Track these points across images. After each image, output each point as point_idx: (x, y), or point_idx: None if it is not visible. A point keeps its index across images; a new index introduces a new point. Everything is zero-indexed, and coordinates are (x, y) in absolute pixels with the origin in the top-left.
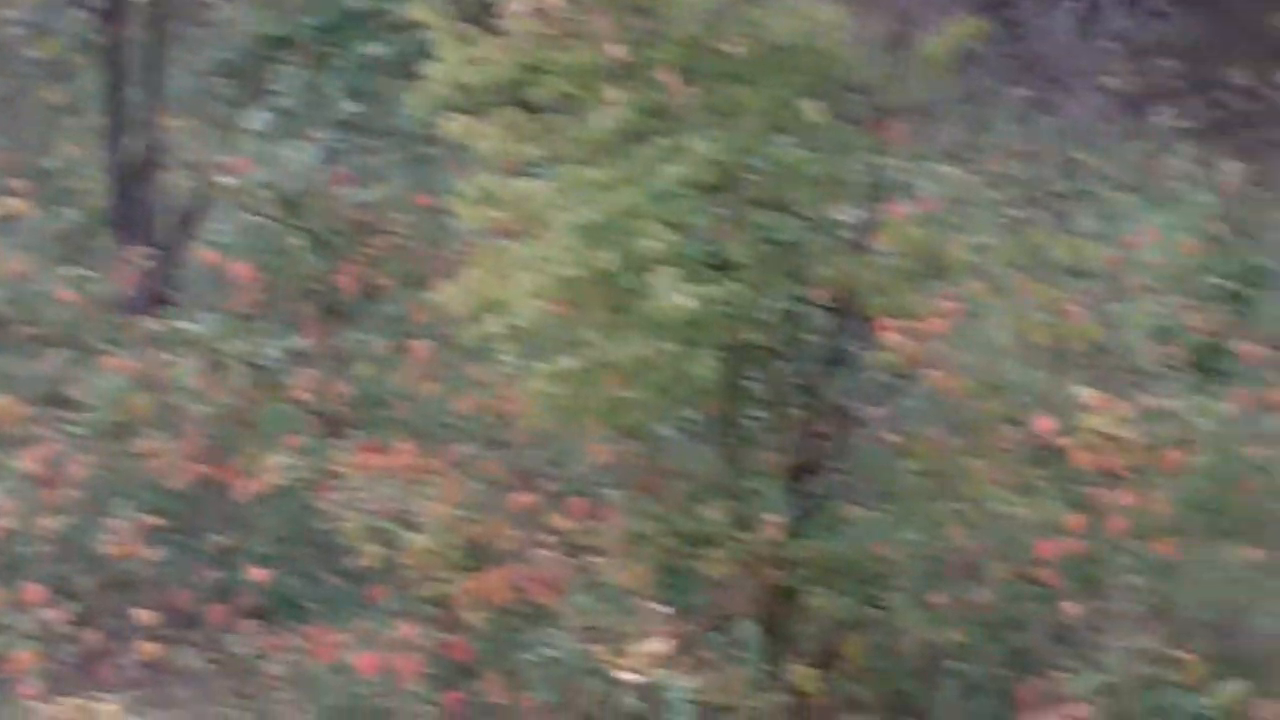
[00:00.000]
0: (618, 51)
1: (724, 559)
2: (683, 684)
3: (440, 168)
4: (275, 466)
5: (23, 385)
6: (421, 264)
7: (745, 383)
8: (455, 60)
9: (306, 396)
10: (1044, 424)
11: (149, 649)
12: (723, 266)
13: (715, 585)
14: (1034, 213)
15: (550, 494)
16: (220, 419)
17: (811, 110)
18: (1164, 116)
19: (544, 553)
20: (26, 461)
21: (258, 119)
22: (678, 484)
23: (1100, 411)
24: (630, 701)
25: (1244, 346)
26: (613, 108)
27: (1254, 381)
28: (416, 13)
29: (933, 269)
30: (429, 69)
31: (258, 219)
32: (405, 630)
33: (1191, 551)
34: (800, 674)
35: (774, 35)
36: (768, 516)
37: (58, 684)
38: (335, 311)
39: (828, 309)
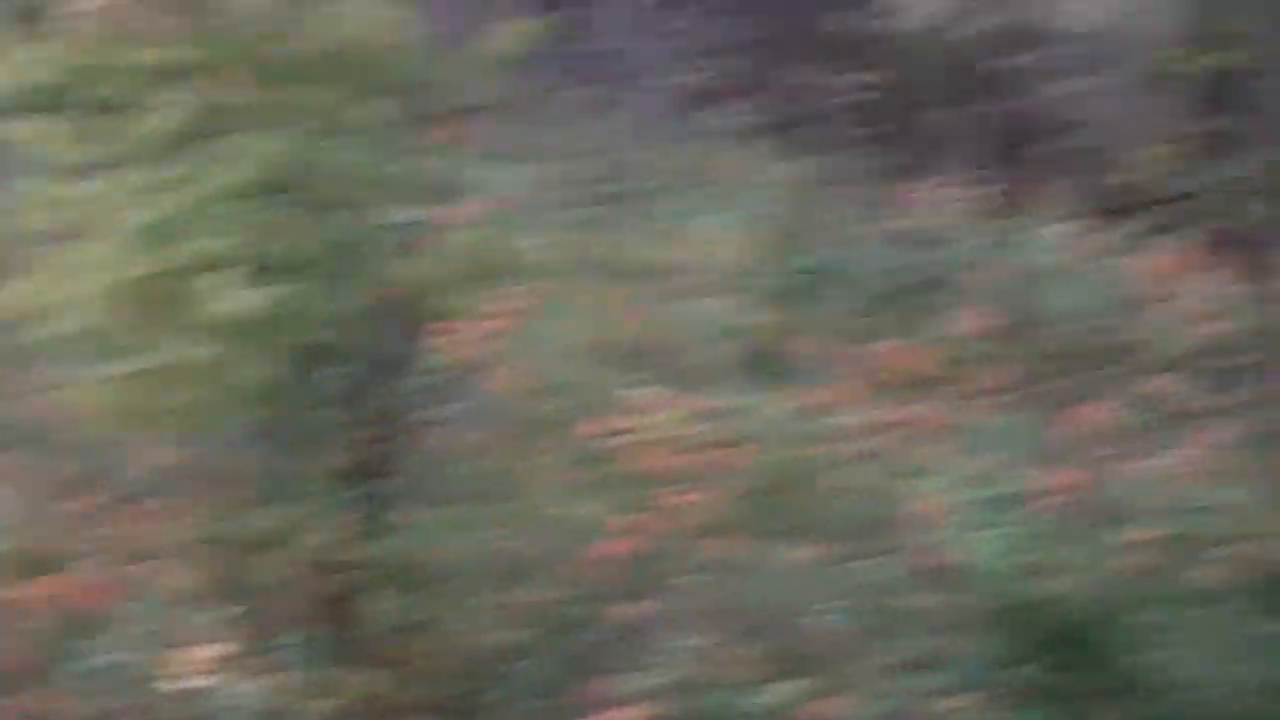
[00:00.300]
0: (178, 52)
1: (283, 563)
2: (238, 690)
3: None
4: None
5: None
6: None
7: (307, 385)
8: (16, 61)
9: None
10: (605, 424)
11: None
12: (284, 268)
13: (275, 590)
14: (597, 212)
15: (108, 499)
16: None
17: (375, 110)
18: (724, 116)
19: (98, 559)
20: None
21: None
22: (237, 488)
23: (660, 411)
24: (182, 708)
25: (802, 345)
26: (173, 108)
27: (811, 380)
28: None
29: (496, 270)
30: None
31: None
32: None
33: (749, 550)
34: (361, 677)
35: (337, 35)
36: (328, 519)
37: None
38: None
39: (392, 311)
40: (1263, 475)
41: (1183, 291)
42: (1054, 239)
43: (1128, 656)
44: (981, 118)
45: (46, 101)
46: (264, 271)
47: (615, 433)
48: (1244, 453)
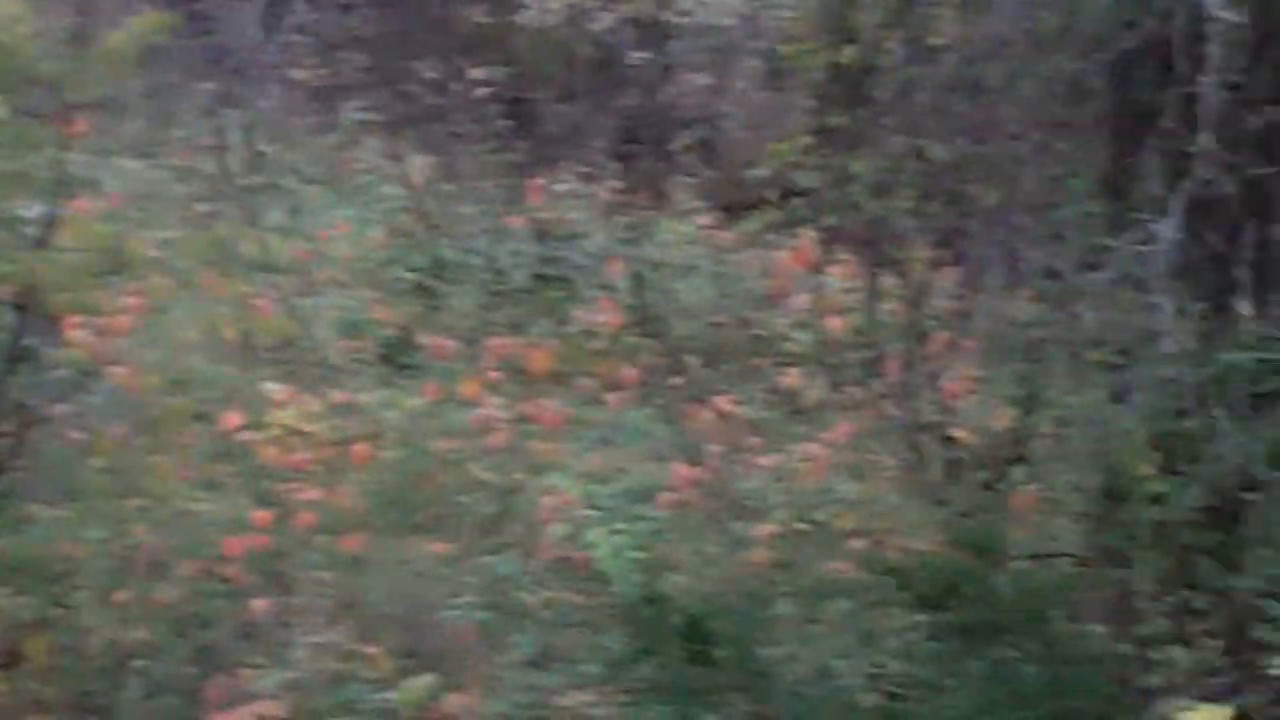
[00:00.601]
0: None
1: None
2: None
3: None
4: None
5: None
6: None
7: None
8: None
9: None
10: (232, 420)
11: None
12: None
13: None
14: (222, 207)
15: None
16: None
17: None
18: (352, 110)
19: None
20: None
21: None
22: None
23: (289, 406)
24: None
25: (432, 339)
26: None
27: (441, 375)
28: None
29: (118, 265)
30: None
31: None
32: None
33: (380, 546)
34: None
35: None
36: None
37: None
38: None
39: (12, 306)
40: (884, 469)
41: (806, 287)
42: (682, 234)
43: (754, 650)
44: (611, 112)
45: None
46: None
47: (246, 428)
48: (867, 447)
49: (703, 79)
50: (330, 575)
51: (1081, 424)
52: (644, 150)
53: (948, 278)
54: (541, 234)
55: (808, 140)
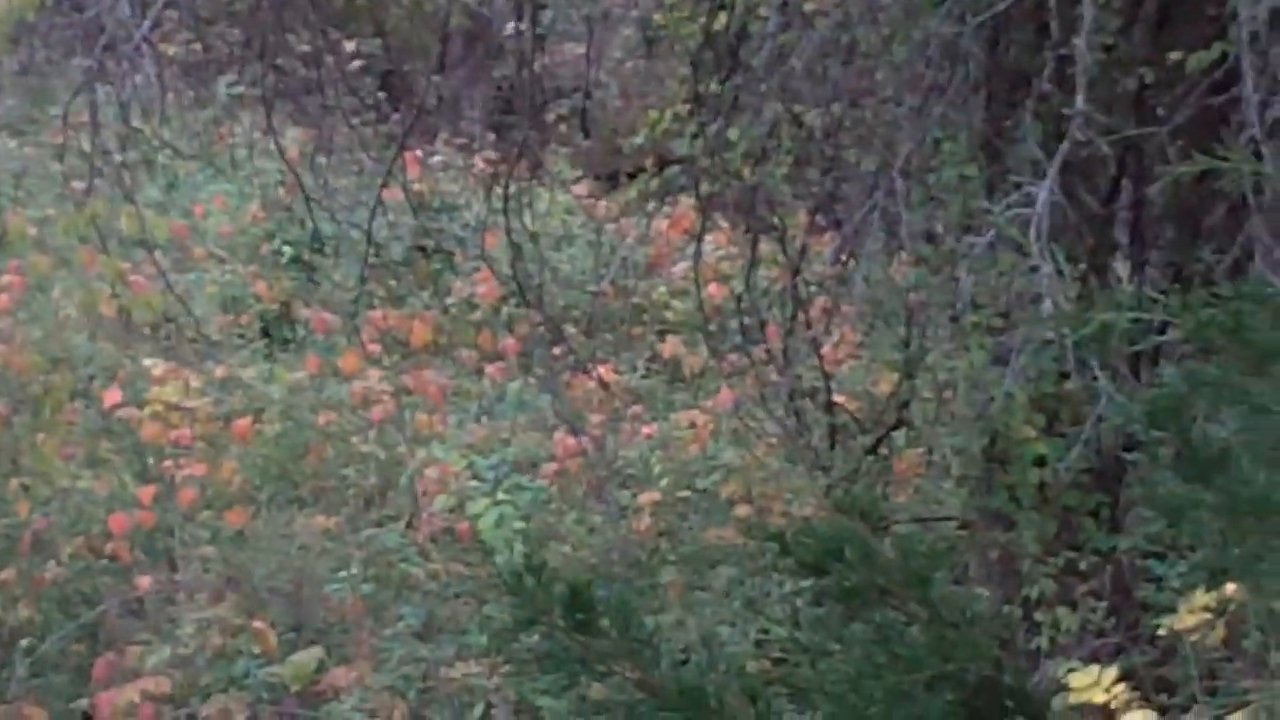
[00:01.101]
0: None
1: None
2: None
3: None
4: None
5: None
6: None
7: None
8: None
9: None
10: (113, 397)
11: None
12: None
13: None
14: (97, 184)
15: None
16: None
17: None
18: (228, 85)
19: None
20: None
21: None
22: None
23: (170, 383)
24: None
25: (311, 313)
26: None
27: (321, 348)
28: None
29: None
30: None
31: None
32: None
33: (264, 521)
34: None
35: None
36: None
37: None
38: None
39: None
40: (766, 435)
41: (685, 255)
42: (560, 204)
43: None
44: (486, 83)
45: None
46: None
47: (127, 404)
48: (749, 414)
49: (578, 48)
50: (215, 551)
51: (963, 388)
52: (520, 121)
53: (827, 243)
54: (419, 206)
55: (684, 108)
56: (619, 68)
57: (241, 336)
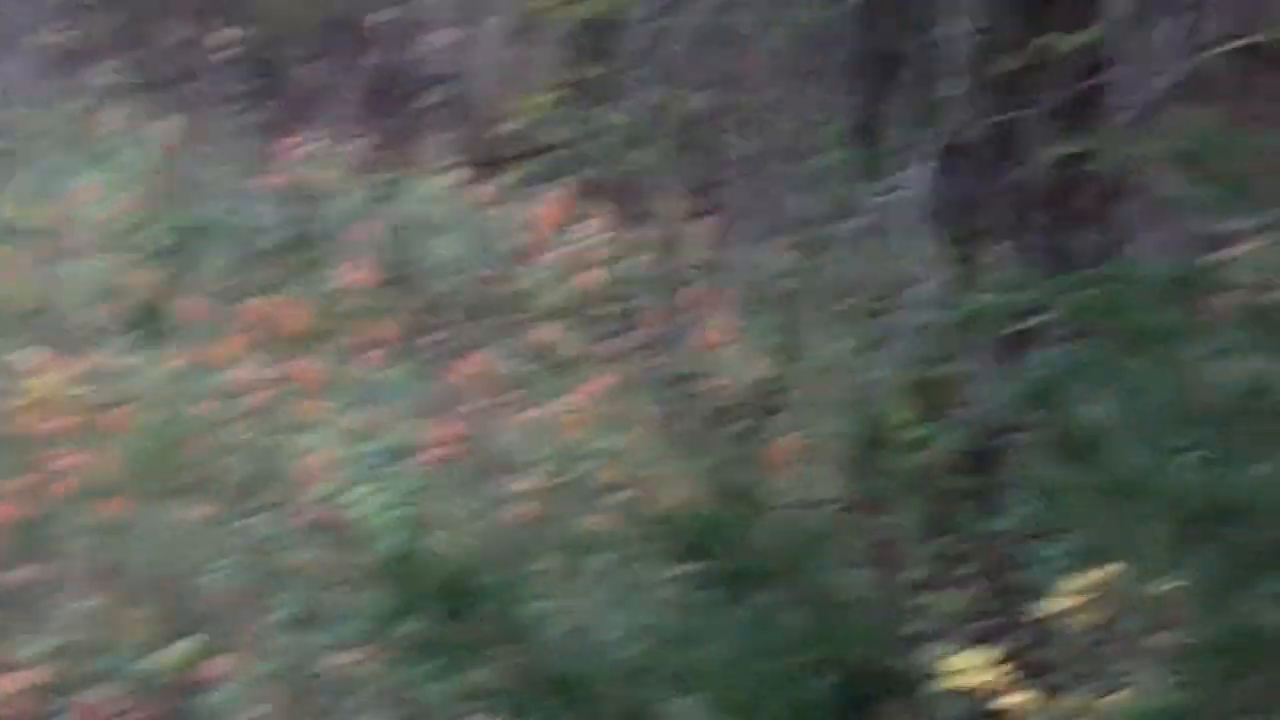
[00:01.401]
0: None
1: None
2: None
3: None
4: None
5: None
6: None
7: None
8: None
9: None
10: None
11: None
12: None
13: None
14: None
15: None
16: None
17: None
18: (98, 73)
19: None
20: None
21: None
22: None
23: (44, 373)
24: None
25: (185, 303)
26: None
27: (195, 338)
28: None
29: None
30: None
31: None
32: None
33: (140, 511)
34: None
35: None
36: None
37: None
38: None
39: None
40: (644, 421)
41: (561, 241)
42: (432, 191)
43: (517, 606)
44: (359, 70)
45: None
46: None
47: (4, 395)
48: (626, 399)
49: (450, 34)
50: (90, 541)
51: (839, 372)
52: (393, 108)
53: (704, 228)
54: (293, 194)
55: (560, 93)
56: (492, 53)
57: (115, 326)
